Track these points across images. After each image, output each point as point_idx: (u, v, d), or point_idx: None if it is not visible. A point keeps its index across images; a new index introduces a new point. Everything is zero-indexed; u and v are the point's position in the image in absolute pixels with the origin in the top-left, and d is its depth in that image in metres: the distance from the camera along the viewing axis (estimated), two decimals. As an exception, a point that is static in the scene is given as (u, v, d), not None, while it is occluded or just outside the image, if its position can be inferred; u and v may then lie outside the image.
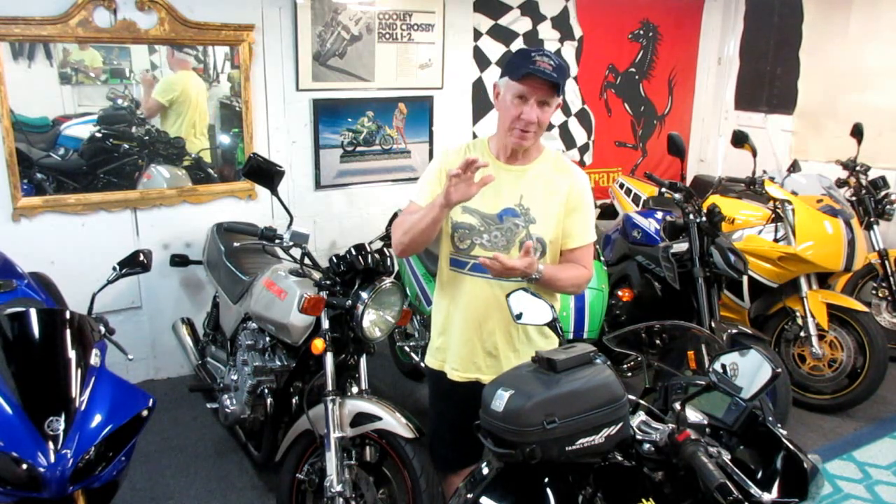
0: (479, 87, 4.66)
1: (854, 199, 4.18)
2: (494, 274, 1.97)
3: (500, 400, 1.39)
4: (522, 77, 1.93)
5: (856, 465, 3.26)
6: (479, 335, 2.12)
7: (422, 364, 3.42)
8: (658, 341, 1.91)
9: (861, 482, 3.13)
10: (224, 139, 3.86)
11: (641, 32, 5.31)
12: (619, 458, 1.49)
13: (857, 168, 4.30)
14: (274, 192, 2.56)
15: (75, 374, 1.93)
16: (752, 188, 3.83)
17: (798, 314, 3.61)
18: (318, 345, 2.40)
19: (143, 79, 3.54)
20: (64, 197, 3.45)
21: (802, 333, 3.61)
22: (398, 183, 4.45)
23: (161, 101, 3.60)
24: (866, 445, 3.41)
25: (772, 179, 3.86)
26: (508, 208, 2.05)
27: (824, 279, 3.74)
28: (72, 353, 1.97)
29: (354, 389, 2.57)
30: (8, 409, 1.83)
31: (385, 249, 2.56)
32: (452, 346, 2.17)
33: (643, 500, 1.44)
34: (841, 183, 4.30)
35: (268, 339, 2.84)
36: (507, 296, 1.83)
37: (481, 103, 4.67)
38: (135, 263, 2.43)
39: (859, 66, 4.81)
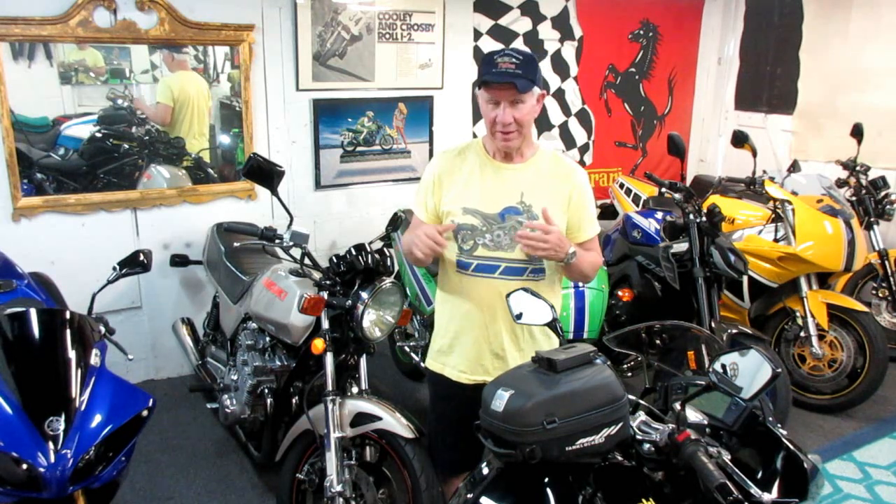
0: (479, 87, 4.65)
1: (854, 199, 4.18)
2: (535, 251, 1.96)
3: (500, 400, 1.39)
4: (483, 84, 1.98)
5: (856, 465, 3.26)
6: (486, 337, 2.13)
7: (422, 364, 3.42)
8: (658, 341, 1.91)
9: (861, 482, 3.13)
10: (224, 139, 3.86)
11: (641, 32, 5.31)
12: (619, 458, 1.49)
13: (857, 168, 4.29)
14: (274, 192, 2.56)
15: (75, 374, 1.93)
16: (752, 188, 3.83)
17: (798, 314, 3.61)
18: (318, 345, 2.40)
19: (157, 110, 3.59)
20: (64, 197, 3.45)
21: (802, 333, 3.61)
22: (398, 183, 4.45)
23: (165, 102, 3.60)
24: (866, 445, 3.41)
25: (772, 179, 3.86)
26: (510, 207, 2.06)
27: (824, 279, 3.74)
28: (72, 353, 1.97)
29: (354, 389, 2.58)
30: (8, 409, 1.83)
31: (385, 249, 2.56)
32: (458, 349, 2.17)
33: (643, 500, 1.44)
34: (841, 183, 4.30)
35: (268, 339, 2.84)
36: (508, 296, 1.83)
37: (481, 103, 4.66)
38: (135, 263, 2.43)
39: (859, 66, 4.81)
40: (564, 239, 2.00)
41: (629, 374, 3.70)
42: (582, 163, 5.25)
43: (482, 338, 2.13)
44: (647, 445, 1.49)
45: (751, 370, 1.41)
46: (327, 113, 4.12)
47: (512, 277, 2.06)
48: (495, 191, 2.07)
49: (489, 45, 4.64)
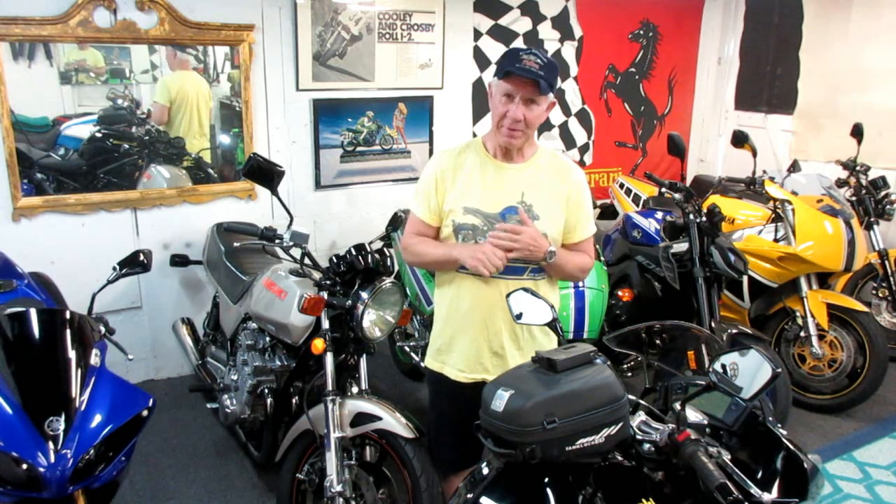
0: (479, 87, 4.66)
1: (854, 199, 4.18)
2: (515, 254, 1.98)
3: (500, 400, 1.39)
4: (506, 75, 1.96)
5: (856, 465, 3.26)
6: (485, 335, 2.13)
7: (422, 364, 3.41)
8: (658, 341, 1.91)
9: (861, 482, 3.13)
10: (224, 139, 3.86)
11: (641, 32, 5.31)
12: (619, 458, 1.49)
13: (857, 168, 4.30)
14: (274, 192, 2.56)
15: (75, 374, 1.93)
16: (752, 188, 3.83)
17: (798, 314, 3.61)
18: (318, 345, 2.40)
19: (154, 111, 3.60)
20: (64, 197, 3.44)
21: (802, 333, 3.61)
22: (398, 183, 4.45)
23: (162, 102, 3.60)
24: (866, 445, 3.41)
25: (772, 179, 3.86)
26: (511, 206, 2.06)
27: (824, 279, 3.74)
28: (72, 353, 1.97)
29: (354, 389, 2.58)
30: (8, 409, 1.83)
31: (385, 249, 2.56)
32: (457, 348, 2.17)
33: (643, 500, 1.44)
34: (841, 183, 4.30)
35: (268, 339, 2.84)
36: (508, 296, 1.83)
37: (481, 103, 4.67)
38: (135, 263, 2.43)
39: (859, 66, 4.81)
40: (540, 239, 2.01)
41: (629, 374, 3.70)
42: (582, 163, 5.25)
43: (481, 336, 2.13)
44: (647, 445, 1.49)
45: (751, 370, 1.41)
46: (327, 113, 4.12)
47: (511, 277, 2.06)
48: (496, 190, 2.08)
49: (489, 45, 4.64)
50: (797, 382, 3.66)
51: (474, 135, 4.70)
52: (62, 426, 1.82)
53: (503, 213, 2.06)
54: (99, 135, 3.48)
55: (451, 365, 2.19)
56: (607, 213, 5.04)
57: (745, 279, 3.65)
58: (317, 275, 2.56)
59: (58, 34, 3.24)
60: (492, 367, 2.13)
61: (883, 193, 4.22)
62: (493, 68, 4.65)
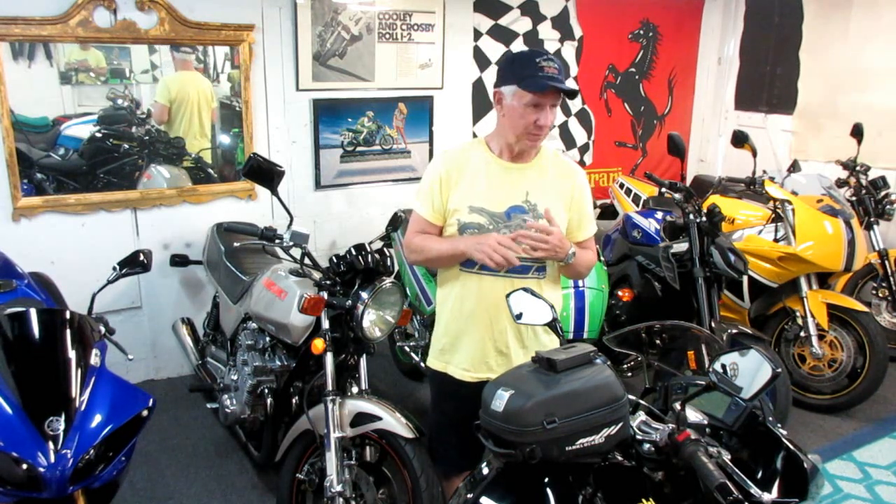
0: (479, 87, 4.66)
1: (854, 199, 4.18)
2: (535, 252, 1.98)
3: (500, 400, 1.40)
4: (539, 90, 1.96)
5: (856, 465, 3.26)
6: (490, 334, 2.13)
7: (422, 364, 3.41)
8: (658, 341, 1.91)
9: (861, 482, 3.13)
10: (224, 139, 3.86)
11: (641, 32, 5.31)
12: (619, 458, 1.49)
13: (857, 168, 4.30)
14: (274, 192, 2.56)
15: (75, 374, 1.93)
16: (752, 188, 3.84)
17: (798, 314, 3.61)
18: (318, 345, 2.40)
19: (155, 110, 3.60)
20: (64, 197, 3.45)
21: (802, 333, 3.61)
22: (398, 183, 4.45)
23: (162, 102, 3.60)
24: (866, 445, 3.41)
25: (772, 179, 3.86)
26: (516, 206, 2.08)
27: (824, 279, 3.74)
28: (72, 353, 1.97)
29: (354, 389, 2.58)
30: (8, 409, 1.83)
31: (385, 249, 2.56)
32: (462, 347, 2.17)
33: (643, 500, 1.44)
34: (841, 183, 4.30)
35: (268, 339, 2.84)
36: (508, 296, 1.83)
37: (481, 103, 4.67)
38: (135, 263, 2.43)
39: (859, 66, 4.81)
40: (564, 239, 2.03)
41: (629, 374, 3.70)
42: (582, 163, 5.25)
43: (487, 336, 2.13)
44: (647, 445, 1.49)
45: (751, 370, 1.42)
46: (327, 113, 4.12)
47: (516, 275, 2.07)
48: (501, 190, 2.09)
49: (489, 45, 4.64)
50: (797, 382, 3.66)
51: (474, 135, 4.70)
52: (62, 426, 1.82)
53: (508, 213, 2.07)
54: (99, 135, 3.48)
55: (456, 364, 2.19)
56: (607, 213, 5.04)
57: (745, 279, 3.65)
58: (317, 275, 2.55)
59: (58, 34, 3.24)
60: (496, 367, 2.13)
61: (883, 193, 4.22)
62: (493, 68, 4.65)
